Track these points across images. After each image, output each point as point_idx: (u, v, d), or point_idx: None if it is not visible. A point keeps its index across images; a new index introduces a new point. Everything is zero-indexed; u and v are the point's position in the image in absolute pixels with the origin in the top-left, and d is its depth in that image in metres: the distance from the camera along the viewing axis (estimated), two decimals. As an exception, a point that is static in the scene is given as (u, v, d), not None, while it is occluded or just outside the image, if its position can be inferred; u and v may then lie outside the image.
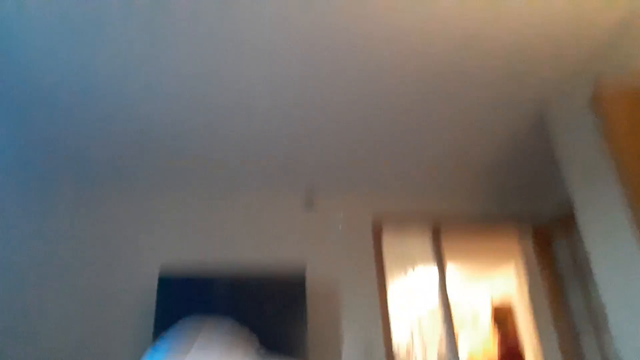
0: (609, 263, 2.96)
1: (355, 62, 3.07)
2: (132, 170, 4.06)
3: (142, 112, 3.36)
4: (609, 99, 2.55)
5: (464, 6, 2.69)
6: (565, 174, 3.37)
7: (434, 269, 4.56)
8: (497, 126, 3.83)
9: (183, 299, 3.63)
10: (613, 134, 2.46)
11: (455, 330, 4.31)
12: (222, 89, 3.21)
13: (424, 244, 4.63)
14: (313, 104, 3.43)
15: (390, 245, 4.55)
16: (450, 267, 7.63)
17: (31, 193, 4.04)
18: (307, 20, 2.72)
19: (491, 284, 8.57)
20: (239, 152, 3.92)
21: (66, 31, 2.65)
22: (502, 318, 6.48)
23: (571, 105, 3.30)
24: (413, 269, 4.57)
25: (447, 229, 4.71)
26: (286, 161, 4.10)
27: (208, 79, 3.11)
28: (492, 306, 8.16)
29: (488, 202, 4.92)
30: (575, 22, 2.87)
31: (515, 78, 3.31)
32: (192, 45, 2.83)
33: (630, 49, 2.83)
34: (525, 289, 5.29)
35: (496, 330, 6.21)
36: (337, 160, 4.14)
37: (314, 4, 2.61)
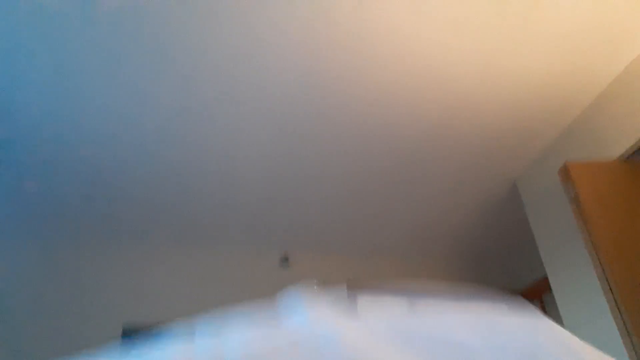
0: (581, 323, 2.98)
1: (332, 131, 3.15)
2: (110, 227, 3.98)
3: (121, 169, 3.34)
4: (577, 170, 2.66)
5: (438, 88, 2.83)
6: (538, 240, 3.44)
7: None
8: (471, 196, 3.92)
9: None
10: (582, 202, 2.55)
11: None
12: (200, 150, 3.23)
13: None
14: (291, 167, 3.46)
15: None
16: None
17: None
18: (285, 87, 2.79)
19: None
20: (215, 211, 3.89)
21: (60, 90, 2.67)
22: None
23: (542, 176, 3.42)
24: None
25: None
26: (262, 221, 4.08)
27: (189, 141, 3.13)
28: None
29: (464, 271, 4.91)
30: (547, 103, 3.03)
31: (489, 153, 3.44)
32: (172, 108, 2.86)
33: (595, 129, 2.98)
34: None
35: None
36: (314, 222, 4.15)
37: (293, 71, 2.68)
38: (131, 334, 3.56)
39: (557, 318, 4.12)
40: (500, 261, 4.99)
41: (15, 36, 2.33)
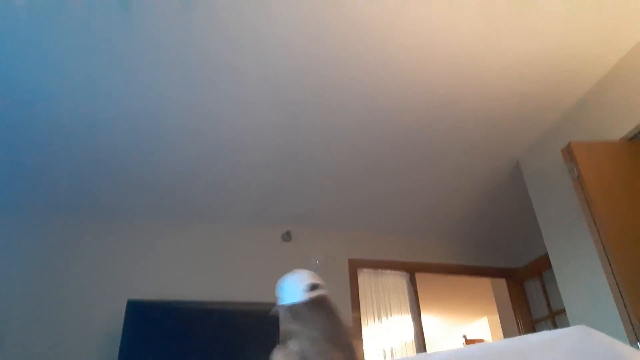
0: (580, 301, 3.02)
1: (338, 113, 3.15)
2: (115, 203, 4.01)
3: (122, 148, 3.35)
4: (580, 150, 2.68)
5: (442, 68, 2.83)
6: (540, 219, 3.47)
7: (409, 305, 4.55)
8: (474, 175, 3.94)
9: (151, 323, 3.55)
10: (584, 181, 2.57)
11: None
12: (205, 129, 3.23)
13: (400, 282, 4.65)
14: (295, 146, 3.48)
15: (366, 283, 4.57)
16: (425, 317, 7.60)
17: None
18: (291, 74, 2.80)
19: (465, 327, 8.56)
20: (219, 188, 3.92)
21: (66, 76, 2.66)
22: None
23: (545, 156, 3.44)
24: (388, 306, 4.55)
25: (422, 272, 4.75)
26: (266, 197, 4.11)
27: (193, 120, 3.14)
28: (466, 341, 8.14)
29: (464, 248, 4.97)
30: (551, 83, 3.02)
31: (492, 133, 3.45)
32: (179, 92, 2.86)
33: (599, 110, 2.98)
34: (499, 326, 5.31)
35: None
36: (317, 199, 4.18)
37: (296, 61, 2.68)
38: (136, 309, 3.59)
39: (556, 295, 4.19)
40: (501, 238, 5.04)
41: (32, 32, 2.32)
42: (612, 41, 2.74)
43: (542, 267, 4.48)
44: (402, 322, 4.50)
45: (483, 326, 8.05)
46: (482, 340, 7.95)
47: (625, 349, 0.89)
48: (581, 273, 3.05)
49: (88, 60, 2.64)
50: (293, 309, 1.72)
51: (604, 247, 2.42)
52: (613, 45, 2.77)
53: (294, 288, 1.82)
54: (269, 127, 3.28)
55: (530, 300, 4.73)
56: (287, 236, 4.48)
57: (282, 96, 3.01)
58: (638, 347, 2.21)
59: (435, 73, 2.89)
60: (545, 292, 4.47)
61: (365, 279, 4.59)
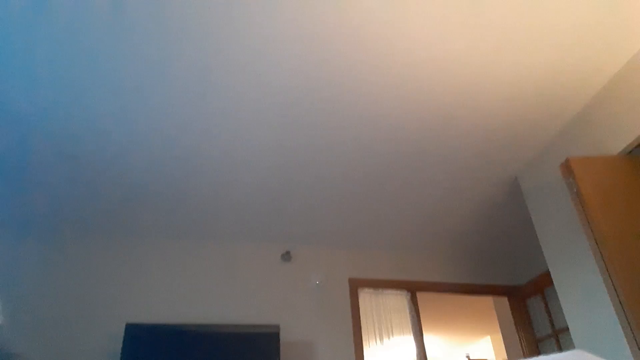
0: (582, 317, 2.98)
1: (337, 133, 3.15)
2: (112, 223, 4.00)
3: (123, 165, 3.34)
4: (578, 165, 2.67)
5: (439, 85, 2.83)
6: (540, 235, 3.45)
7: (410, 325, 4.51)
8: (473, 191, 3.93)
9: (149, 346, 3.52)
10: (583, 197, 2.56)
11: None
12: (204, 147, 3.23)
13: (401, 301, 4.61)
14: (294, 166, 3.47)
15: (367, 303, 4.53)
16: (428, 337, 7.51)
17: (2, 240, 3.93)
18: (289, 94, 2.80)
19: (468, 347, 8.46)
20: (218, 208, 3.91)
21: (67, 89, 2.68)
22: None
23: (543, 172, 3.43)
24: (389, 326, 4.50)
25: (423, 291, 4.71)
26: (265, 217, 4.09)
27: (192, 138, 3.13)
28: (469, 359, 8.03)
29: (466, 267, 4.93)
30: (548, 98, 3.03)
31: (490, 149, 3.45)
32: (175, 109, 2.86)
33: (597, 125, 2.99)
34: (503, 345, 5.25)
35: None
36: (315, 218, 4.16)
37: (295, 80, 2.68)
38: (134, 332, 3.56)
39: (559, 312, 4.15)
40: (502, 256, 5.01)
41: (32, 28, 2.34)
42: (608, 55, 2.75)
43: (544, 284, 4.44)
44: (404, 343, 4.45)
45: (486, 345, 7.95)
46: (485, 360, 7.86)
47: None
48: (583, 289, 3.01)
49: (81, 73, 2.66)
50: None
51: (604, 263, 2.40)
52: (609, 59, 2.79)
53: None
54: (268, 146, 3.28)
55: (533, 319, 4.68)
56: (287, 256, 4.45)
57: (281, 115, 3.02)
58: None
59: (433, 89, 2.90)
60: (547, 310, 4.42)
61: (366, 298, 4.55)
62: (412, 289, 4.65)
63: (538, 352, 4.50)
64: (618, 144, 2.78)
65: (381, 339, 4.41)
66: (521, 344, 4.68)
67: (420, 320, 4.56)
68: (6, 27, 2.31)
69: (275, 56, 2.60)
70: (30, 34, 2.36)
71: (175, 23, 2.37)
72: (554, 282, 3.29)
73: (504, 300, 5.05)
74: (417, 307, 4.60)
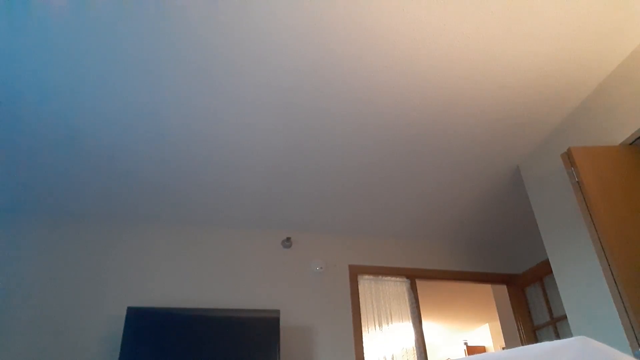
0: (581, 306, 3.02)
1: (338, 118, 3.15)
2: (114, 208, 4.02)
3: (123, 151, 3.36)
4: (580, 155, 2.68)
5: (442, 73, 2.83)
6: (540, 224, 3.46)
7: (409, 312, 4.54)
8: (474, 180, 3.93)
9: (150, 329, 3.56)
10: (585, 186, 2.57)
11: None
12: (208, 135, 3.23)
13: (400, 288, 4.65)
14: (296, 152, 3.47)
15: (367, 290, 4.57)
16: (427, 323, 7.56)
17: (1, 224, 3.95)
18: (293, 78, 2.79)
19: (467, 334, 8.53)
20: (221, 194, 3.92)
21: (68, 81, 2.68)
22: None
23: (545, 161, 3.44)
24: (389, 313, 4.54)
25: (423, 279, 4.74)
26: (267, 203, 4.11)
27: (196, 125, 3.14)
28: (467, 347, 8.10)
29: (465, 254, 4.96)
30: (551, 88, 3.02)
31: (492, 138, 3.45)
32: (181, 92, 2.86)
33: (599, 115, 2.99)
34: (501, 333, 5.30)
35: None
36: (317, 204, 4.17)
37: (298, 64, 2.68)
38: (136, 315, 3.60)
39: (558, 300, 4.18)
40: (502, 244, 5.04)
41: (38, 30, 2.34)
42: (611, 45, 2.75)
43: (543, 272, 4.47)
44: (403, 329, 4.49)
45: (484, 333, 8.02)
46: (483, 347, 7.92)
47: (626, 359, 0.90)
48: (582, 278, 3.04)
49: (91, 61, 2.66)
50: None
51: (604, 252, 2.41)
52: (612, 50, 2.78)
53: None
54: (269, 131, 3.28)
55: (531, 307, 4.72)
56: (287, 242, 4.48)
57: (284, 99, 3.01)
58: (640, 353, 2.19)
59: (435, 78, 2.89)
60: (546, 298, 4.46)
61: (366, 285, 4.58)
62: (412, 276, 4.69)
63: (536, 340, 4.54)
64: (620, 135, 2.78)
65: (380, 325, 4.45)
66: (519, 332, 4.72)
67: (419, 307, 4.59)
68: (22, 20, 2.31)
69: (278, 40, 2.59)
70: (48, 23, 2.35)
71: (182, 3, 2.37)
72: (553, 271, 3.31)
73: (503, 288, 5.08)
74: (417, 294, 4.63)
